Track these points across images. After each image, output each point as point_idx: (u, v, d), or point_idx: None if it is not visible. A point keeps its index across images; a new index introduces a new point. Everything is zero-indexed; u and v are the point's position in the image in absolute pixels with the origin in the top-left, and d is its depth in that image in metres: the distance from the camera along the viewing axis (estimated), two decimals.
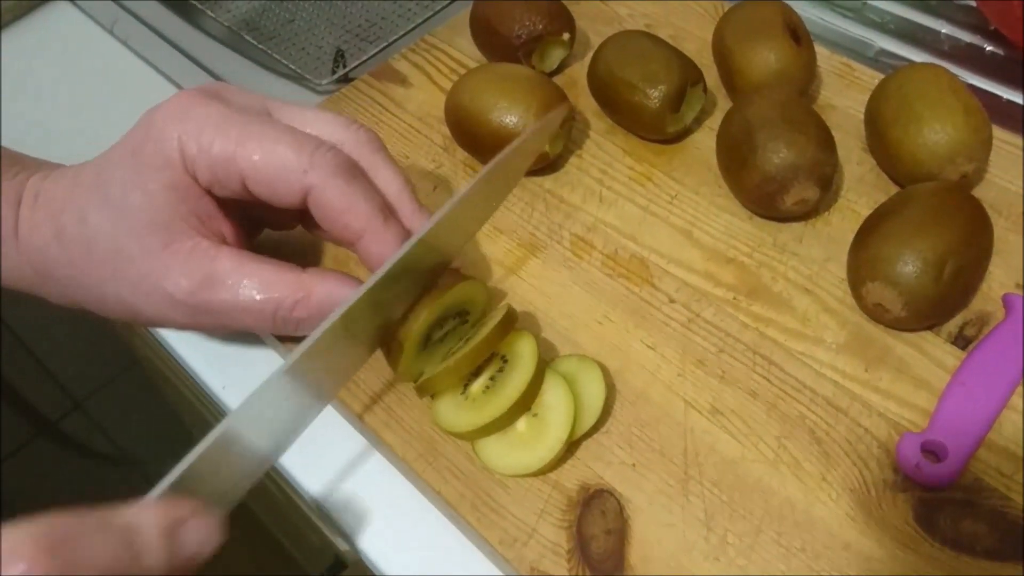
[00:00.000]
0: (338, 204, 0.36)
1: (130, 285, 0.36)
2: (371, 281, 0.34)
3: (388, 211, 0.37)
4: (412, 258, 0.36)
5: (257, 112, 0.38)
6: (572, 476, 0.36)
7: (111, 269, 0.36)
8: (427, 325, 0.36)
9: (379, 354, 0.40)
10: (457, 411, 0.36)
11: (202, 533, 0.28)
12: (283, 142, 0.35)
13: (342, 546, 0.75)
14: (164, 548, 0.27)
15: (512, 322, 0.38)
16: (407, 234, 0.37)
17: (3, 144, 0.41)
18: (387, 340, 0.37)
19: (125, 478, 1.22)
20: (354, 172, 0.37)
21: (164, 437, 1.07)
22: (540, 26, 0.50)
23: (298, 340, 0.41)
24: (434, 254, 0.38)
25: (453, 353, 0.37)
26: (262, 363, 0.43)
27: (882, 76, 0.46)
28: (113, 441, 1.31)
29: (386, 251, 0.36)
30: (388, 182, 0.38)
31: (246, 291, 0.36)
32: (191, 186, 0.36)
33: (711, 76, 0.50)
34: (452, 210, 0.36)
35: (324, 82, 0.56)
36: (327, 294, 0.37)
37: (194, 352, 0.44)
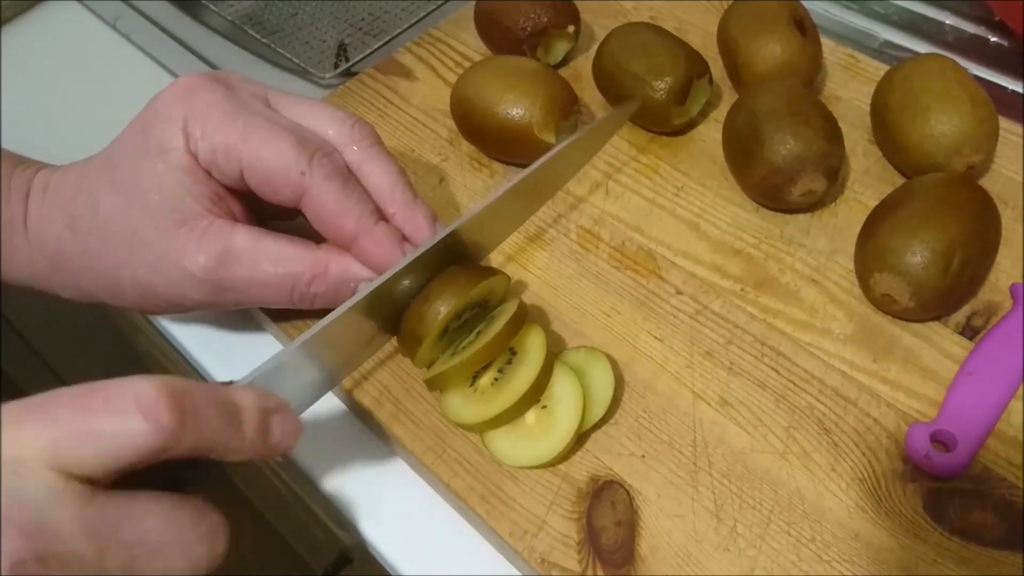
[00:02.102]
0: (333, 207, 0.36)
1: (147, 266, 0.37)
2: (400, 264, 0.36)
3: (380, 214, 0.38)
4: (435, 253, 0.38)
5: (261, 102, 0.38)
6: (581, 468, 0.36)
7: (127, 252, 0.37)
8: (449, 319, 0.37)
9: (390, 349, 0.40)
10: (466, 404, 0.36)
11: (288, 426, 0.31)
12: (286, 140, 0.36)
13: (347, 541, 0.76)
14: (258, 429, 0.29)
15: (523, 319, 0.38)
16: (399, 234, 0.38)
17: (4, 140, 0.41)
18: (404, 330, 0.37)
19: None
20: (348, 177, 0.38)
21: None
22: (545, 19, 0.50)
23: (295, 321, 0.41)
24: (458, 251, 0.39)
25: (464, 348, 0.37)
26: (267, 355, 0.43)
27: (887, 68, 0.46)
28: None
29: (380, 250, 0.37)
30: (382, 174, 0.39)
31: (264, 266, 0.37)
32: (198, 166, 0.37)
33: (716, 68, 0.50)
34: (479, 212, 0.38)
35: (327, 76, 0.56)
36: (344, 269, 0.38)
37: (198, 344, 0.44)
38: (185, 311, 0.40)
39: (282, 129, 0.36)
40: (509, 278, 0.39)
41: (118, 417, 0.25)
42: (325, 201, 0.36)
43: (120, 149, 0.38)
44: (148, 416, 0.25)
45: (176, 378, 0.27)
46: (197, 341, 0.45)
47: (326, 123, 0.38)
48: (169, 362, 0.82)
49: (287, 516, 0.95)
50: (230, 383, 0.31)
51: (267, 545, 1.06)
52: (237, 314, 0.45)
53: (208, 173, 0.37)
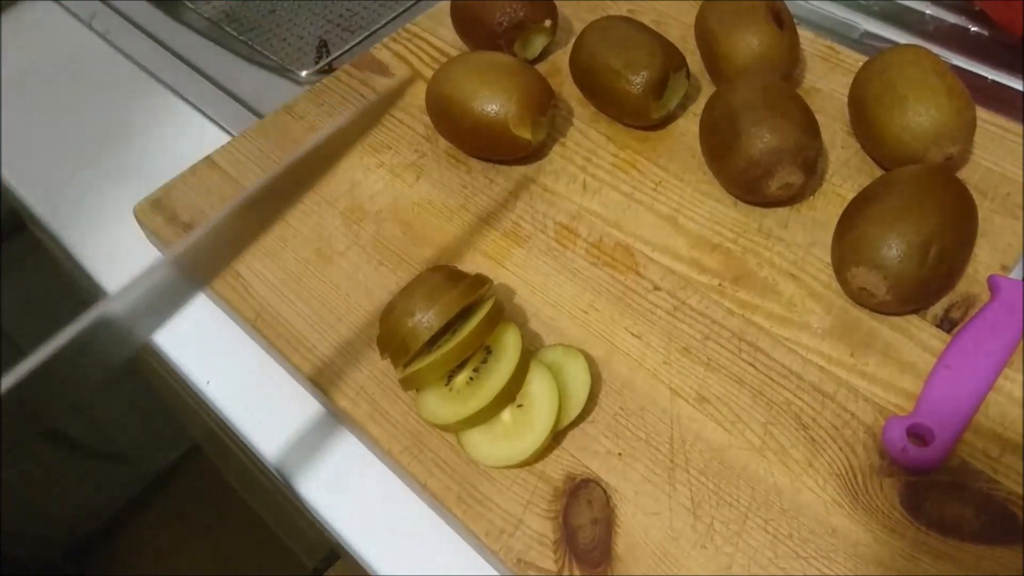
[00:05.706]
0: None
1: None
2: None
3: None
4: None
5: None
6: (558, 466, 0.36)
7: None
8: (437, 330, 0.36)
9: (367, 350, 0.40)
10: (442, 403, 0.36)
11: None
12: None
13: (335, 538, 0.75)
14: None
15: (499, 317, 0.37)
16: None
17: None
18: (392, 340, 0.37)
19: (123, 478, 1.21)
20: None
21: (161, 436, 1.07)
22: (521, 14, 0.49)
23: None
24: None
25: (439, 346, 0.37)
26: (250, 357, 0.43)
27: (866, 59, 0.46)
28: (111, 441, 1.30)
29: None
30: None
31: None
32: None
33: (694, 62, 0.49)
34: None
35: (306, 73, 0.56)
36: None
37: (180, 348, 0.44)
38: None
39: None
40: (493, 283, 0.39)
41: None
42: None
43: None
44: None
45: None
46: (178, 343, 0.44)
47: None
48: (161, 367, 0.82)
49: (279, 514, 0.95)
50: None
51: (260, 542, 1.06)
52: (215, 320, 0.44)
53: None
